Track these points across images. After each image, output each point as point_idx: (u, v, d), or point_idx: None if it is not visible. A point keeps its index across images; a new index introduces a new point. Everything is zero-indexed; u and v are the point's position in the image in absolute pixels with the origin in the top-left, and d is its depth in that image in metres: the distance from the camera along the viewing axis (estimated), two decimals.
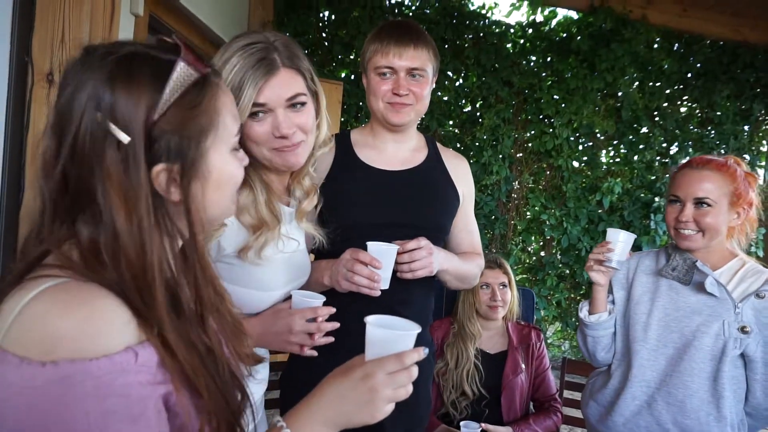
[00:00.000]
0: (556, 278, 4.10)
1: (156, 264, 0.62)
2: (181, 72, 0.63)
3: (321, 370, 0.80)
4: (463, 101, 4.08)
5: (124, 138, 0.60)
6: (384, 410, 0.71)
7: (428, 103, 1.44)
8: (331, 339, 1.12)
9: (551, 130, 3.97)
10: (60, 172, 0.62)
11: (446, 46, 4.01)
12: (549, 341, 4.45)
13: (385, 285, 1.20)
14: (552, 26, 4.08)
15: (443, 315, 2.23)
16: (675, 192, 1.45)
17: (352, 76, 3.96)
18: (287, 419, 0.70)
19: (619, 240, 1.48)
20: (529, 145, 4.08)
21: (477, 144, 3.99)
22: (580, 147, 4.07)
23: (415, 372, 0.73)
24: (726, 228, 1.43)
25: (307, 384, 0.78)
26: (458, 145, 4.02)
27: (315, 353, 1.12)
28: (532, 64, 4.04)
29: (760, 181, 4.34)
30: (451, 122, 4.09)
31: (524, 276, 4.25)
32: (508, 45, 4.06)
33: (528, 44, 4.05)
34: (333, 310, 1.11)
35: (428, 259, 1.26)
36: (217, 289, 0.73)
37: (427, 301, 1.50)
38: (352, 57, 3.96)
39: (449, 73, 4.04)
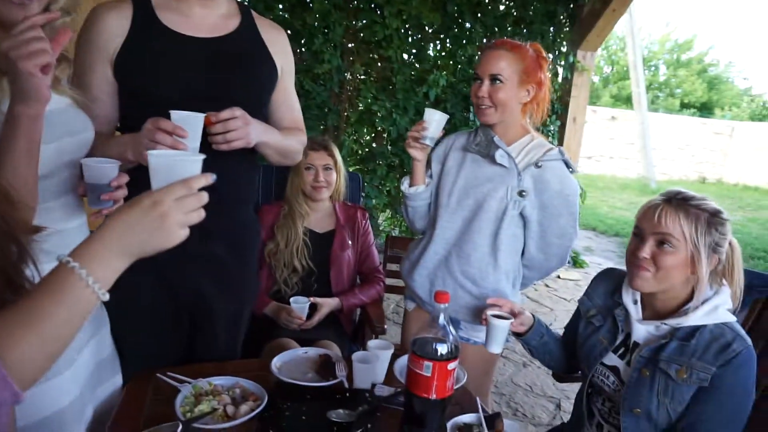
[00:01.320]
0: (386, 168, 4.32)
1: None
2: None
3: None
4: None
5: None
6: (178, 234, 0.73)
7: None
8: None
9: (382, 20, 3.98)
10: None
11: None
12: (381, 228, 4.77)
13: None
14: None
15: (273, 199, 2.25)
16: (476, 70, 1.60)
17: None
18: (75, 255, 0.68)
19: (434, 119, 1.60)
20: (361, 35, 4.06)
21: (307, 30, 3.85)
22: (410, 39, 4.17)
23: (204, 197, 0.75)
24: (516, 104, 1.61)
25: None
26: (288, 32, 3.83)
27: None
28: None
29: (559, 79, 4.83)
30: (280, 6, 3.86)
31: (357, 167, 4.41)
32: None
33: None
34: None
35: (244, 129, 1.23)
36: None
37: (249, 176, 1.48)
38: None
39: None
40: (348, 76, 4.17)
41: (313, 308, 2.04)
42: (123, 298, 1.29)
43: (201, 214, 0.75)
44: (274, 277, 2.11)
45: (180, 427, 1.03)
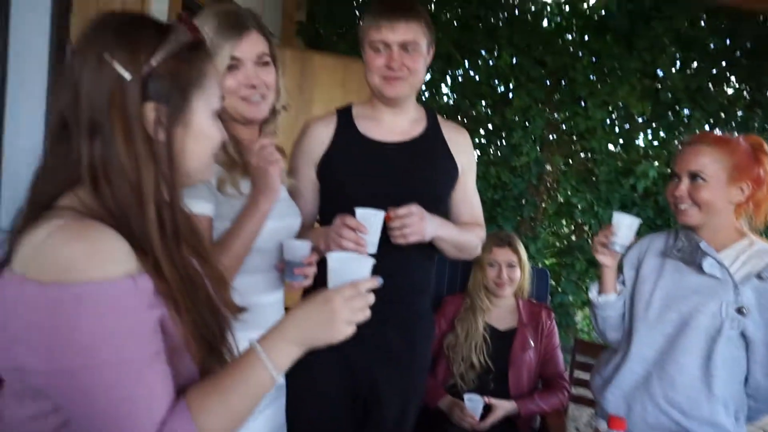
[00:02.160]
0: (585, 263, 4.03)
1: (150, 184, 0.73)
2: (179, 32, 0.76)
3: None
4: (496, 81, 4.03)
5: (126, 75, 0.71)
6: (344, 330, 0.81)
7: (424, 76, 1.48)
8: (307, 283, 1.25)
9: (585, 111, 3.89)
10: (71, 113, 0.72)
11: (479, 24, 3.96)
12: (579, 327, 4.40)
13: (371, 249, 1.27)
14: (590, 3, 3.96)
15: (457, 291, 2.27)
16: (673, 167, 1.45)
17: None
18: (261, 340, 0.80)
19: (624, 224, 1.48)
20: (563, 126, 4.01)
21: (506, 124, 3.95)
22: (616, 129, 3.97)
23: (371, 299, 0.84)
24: (726, 204, 1.40)
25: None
26: (488, 126, 3.99)
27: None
28: (567, 43, 3.95)
29: None
30: (483, 102, 4.06)
31: (553, 260, 4.21)
32: (544, 23, 3.97)
33: (564, 22, 3.96)
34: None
35: (419, 224, 1.31)
36: (193, 228, 0.85)
37: (425, 269, 1.54)
38: None
39: (482, 52, 4.01)
40: (547, 167, 4.11)
41: (488, 409, 1.95)
42: (304, 376, 1.43)
43: (366, 314, 0.84)
44: (450, 370, 2.09)
45: None
